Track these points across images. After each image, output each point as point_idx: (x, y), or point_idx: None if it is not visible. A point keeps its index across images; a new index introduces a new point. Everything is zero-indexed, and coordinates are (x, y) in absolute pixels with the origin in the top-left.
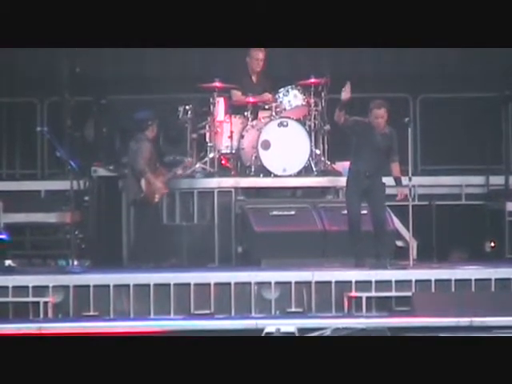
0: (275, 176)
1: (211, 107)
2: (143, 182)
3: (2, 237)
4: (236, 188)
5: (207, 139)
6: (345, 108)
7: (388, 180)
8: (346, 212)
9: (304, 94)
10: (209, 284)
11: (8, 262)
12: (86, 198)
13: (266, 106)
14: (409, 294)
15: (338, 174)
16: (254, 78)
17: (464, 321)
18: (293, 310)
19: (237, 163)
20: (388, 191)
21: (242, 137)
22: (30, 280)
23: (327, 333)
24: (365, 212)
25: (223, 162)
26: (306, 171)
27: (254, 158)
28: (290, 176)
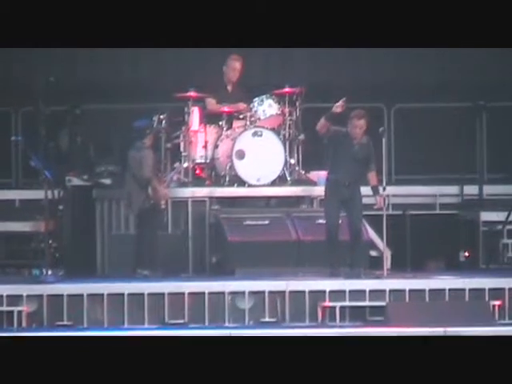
0: (249, 185)
1: (186, 116)
2: (150, 190)
3: None
4: (210, 198)
5: (181, 149)
6: (332, 119)
7: (363, 190)
8: (320, 221)
9: (279, 103)
10: (183, 293)
11: None
12: (61, 208)
13: (241, 116)
14: (383, 303)
15: (312, 183)
16: (229, 88)
17: (438, 331)
18: (267, 319)
19: (211, 173)
20: (362, 201)
21: (216, 146)
22: (4, 289)
23: None
24: (339, 222)
25: (197, 171)
26: (280, 181)
27: (228, 167)
28: (264, 185)
